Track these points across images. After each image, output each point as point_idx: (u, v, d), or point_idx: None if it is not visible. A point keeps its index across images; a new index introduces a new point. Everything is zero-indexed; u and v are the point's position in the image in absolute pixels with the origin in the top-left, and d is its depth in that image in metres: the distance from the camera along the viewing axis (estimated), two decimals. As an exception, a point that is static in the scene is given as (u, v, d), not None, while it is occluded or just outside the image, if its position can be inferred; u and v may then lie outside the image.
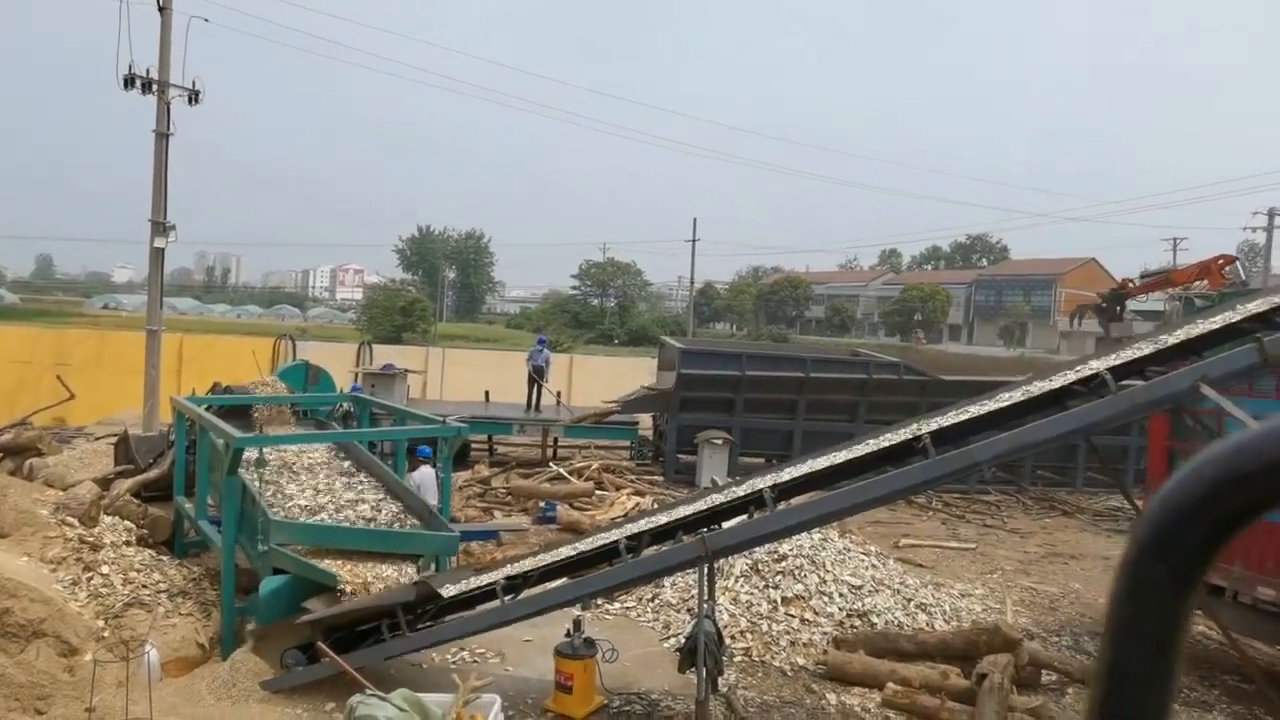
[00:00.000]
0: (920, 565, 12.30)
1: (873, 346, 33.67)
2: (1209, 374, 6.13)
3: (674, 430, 17.70)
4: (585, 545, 7.60)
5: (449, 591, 7.50)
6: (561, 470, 16.81)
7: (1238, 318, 6.68)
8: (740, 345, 30.42)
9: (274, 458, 9.72)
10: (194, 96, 17.48)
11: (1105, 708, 0.69)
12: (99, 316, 67.86)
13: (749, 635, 8.82)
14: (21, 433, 12.46)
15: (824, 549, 10.10)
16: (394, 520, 8.92)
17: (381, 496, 9.41)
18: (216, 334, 33.73)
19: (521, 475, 16.63)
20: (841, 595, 9.49)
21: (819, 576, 9.65)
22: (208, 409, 10.56)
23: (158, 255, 17.73)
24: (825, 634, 8.88)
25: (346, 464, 10.47)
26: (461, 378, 24.02)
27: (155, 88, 17.05)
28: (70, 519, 8.87)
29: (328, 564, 7.78)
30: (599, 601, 9.39)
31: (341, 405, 13.26)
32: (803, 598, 9.35)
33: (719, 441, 16.58)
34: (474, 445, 18.64)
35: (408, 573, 8.04)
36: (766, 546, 9.07)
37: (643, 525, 7.50)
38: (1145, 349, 6.81)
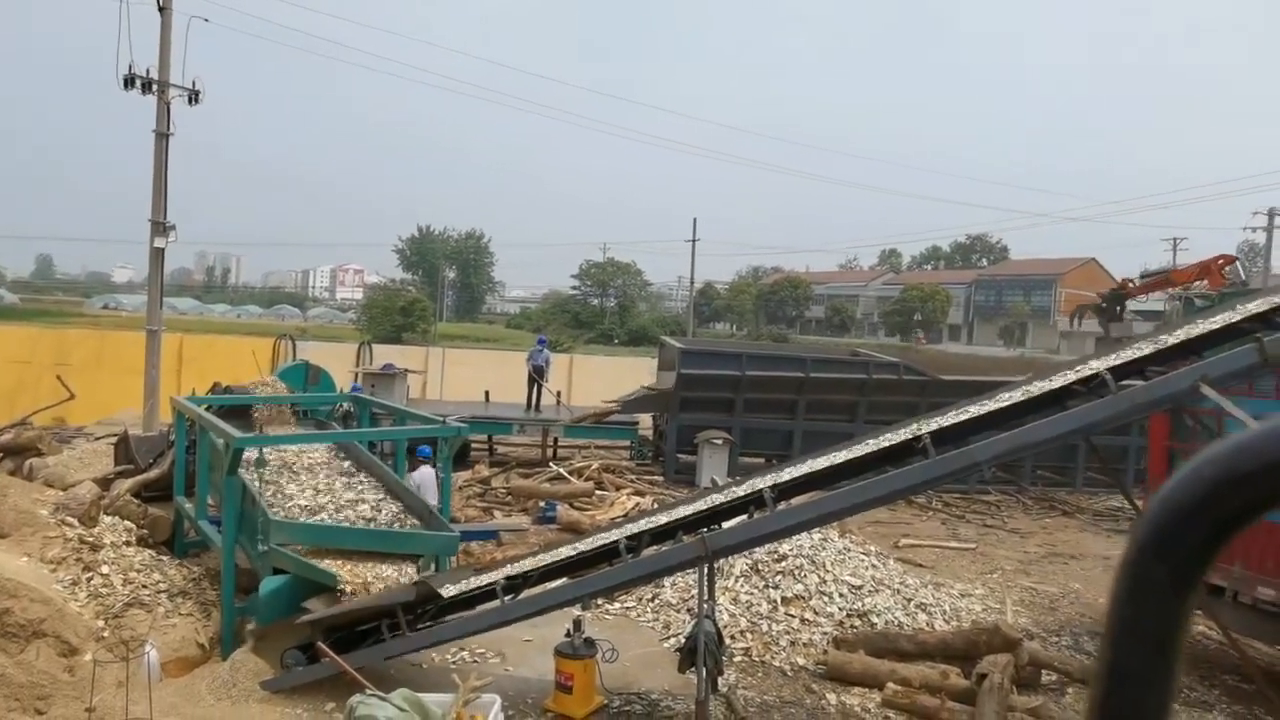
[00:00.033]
0: (920, 565, 12.30)
1: (872, 346, 33.65)
2: (1209, 374, 6.13)
3: (674, 430, 17.70)
4: (585, 545, 7.60)
5: (449, 591, 7.50)
6: (561, 470, 16.81)
7: (1238, 318, 6.69)
8: (740, 345, 30.39)
9: (274, 458, 9.72)
10: (194, 96, 17.50)
11: (1105, 708, 0.69)
12: (99, 316, 67.81)
13: (749, 635, 8.82)
14: (21, 433, 12.46)
15: (824, 549, 10.10)
16: (394, 520, 8.92)
17: (381, 496, 9.41)
18: (216, 334, 33.72)
19: (521, 475, 16.63)
20: (841, 595, 9.49)
21: (819, 576, 9.65)
22: (208, 409, 10.56)
23: (158, 255, 17.75)
24: (825, 634, 8.88)
25: (346, 464, 10.47)
26: (461, 378, 24.02)
27: (155, 88, 17.06)
28: (70, 519, 8.87)
29: (328, 564, 7.78)
30: (599, 601, 9.39)
31: (341, 405, 13.27)
32: (803, 598, 9.35)
33: (719, 441, 16.58)
34: (474, 445, 18.65)
35: (408, 573, 8.04)
36: (766, 546, 9.07)
37: (643, 525, 7.51)
38: (1145, 349, 6.81)
